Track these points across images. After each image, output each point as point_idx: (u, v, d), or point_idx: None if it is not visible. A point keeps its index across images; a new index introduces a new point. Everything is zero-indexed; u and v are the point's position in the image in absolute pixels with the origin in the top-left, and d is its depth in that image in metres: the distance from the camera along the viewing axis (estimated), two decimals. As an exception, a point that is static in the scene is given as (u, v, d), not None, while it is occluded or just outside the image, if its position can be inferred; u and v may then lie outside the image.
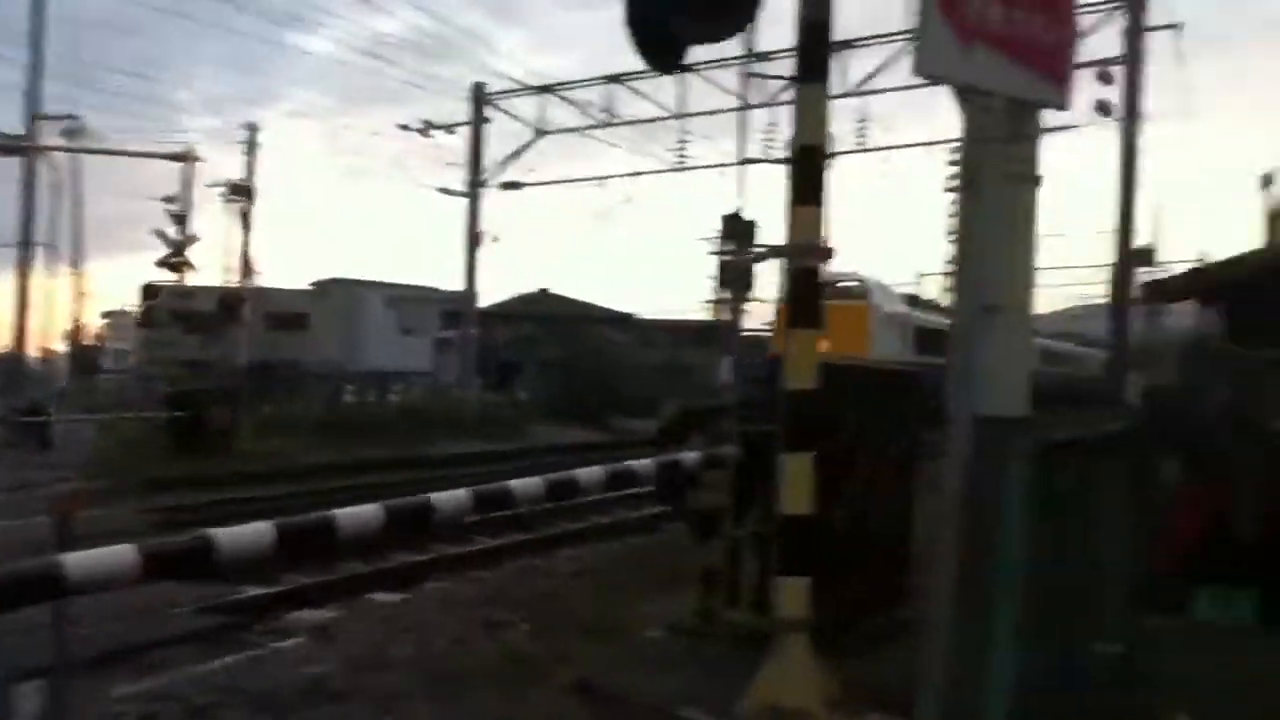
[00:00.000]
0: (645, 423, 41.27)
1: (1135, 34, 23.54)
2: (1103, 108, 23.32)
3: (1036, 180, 4.90)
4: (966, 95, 4.30)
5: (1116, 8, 23.79)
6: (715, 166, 31.45)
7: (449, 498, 4.70)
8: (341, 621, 8.33)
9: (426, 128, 32.10)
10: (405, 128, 32.11)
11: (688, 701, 5.15)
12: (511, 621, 8.60)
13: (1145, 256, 28.01)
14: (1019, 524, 3.98)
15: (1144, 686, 5.51)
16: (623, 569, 11.13)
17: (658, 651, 6.38)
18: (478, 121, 32.25)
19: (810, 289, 5.08)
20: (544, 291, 75.03)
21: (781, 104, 26.58)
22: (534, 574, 10.46)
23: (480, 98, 32.16)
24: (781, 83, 25.78)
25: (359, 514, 4.18)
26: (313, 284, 32.48)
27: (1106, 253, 26.22)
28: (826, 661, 5.07)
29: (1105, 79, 23.13)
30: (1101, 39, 24.44)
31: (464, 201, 32.62)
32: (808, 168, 5.09)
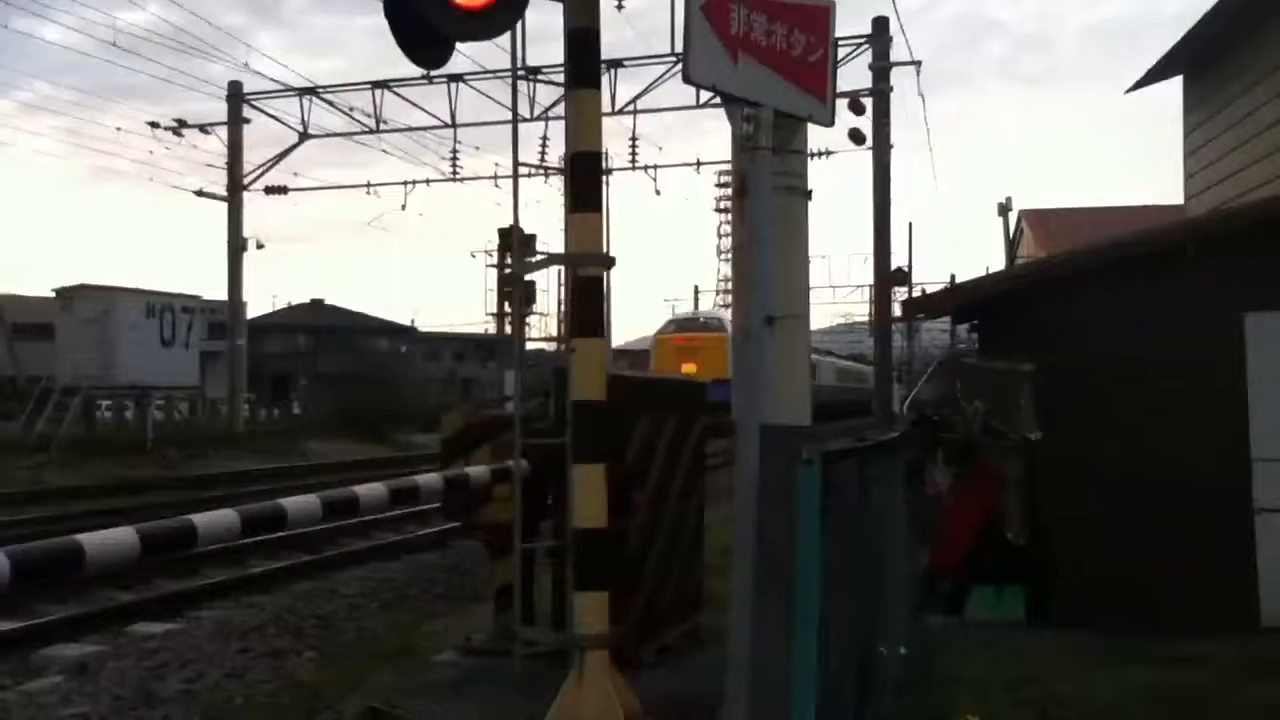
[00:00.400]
0: (429, 436, 40.64)
1: (881, 68, 25.09)
2: (856, 136, 24.80)
3: (806, 194, 5.05)
4: (735, 105, 4.40)
5: (864, 43, 25.35)
6: (490, 178, 31.45)
7: (213, 519, 4.34)
8: (103, 657, 7.69)
9: (179, 126, 30.38)
10: (155, 125, 30.29)
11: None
12: (294, 649, 8.20)
13: (901, 277, 29.78)
14: (816, 529, 4.07)
15: (927, 686, 5.77)
16: (411, 588, 10.85)
17: (452, 674, 6.20)
18: (236, 122, 30.79)
19: (593, 297, 5.02)
20: (318, 302, 72.63)
21: (554, 118, 26.91)
22: (318, 597, 10.02)
23: (238, 97, 30.74)
24: (553, 97, 26.05)
25: (109, 539, 3.76)
26: (57, 291, 30.01)
27: (865, 273, 27.73)
28: (627, 675, 5.05)
29: (857, 109, 24.59)
30: (852, 72, 25.93)
31: (225, 206, 31.09)
32: (584, 174, 5.04)
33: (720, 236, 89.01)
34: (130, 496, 19.76)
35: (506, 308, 51.65)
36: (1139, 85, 16.51)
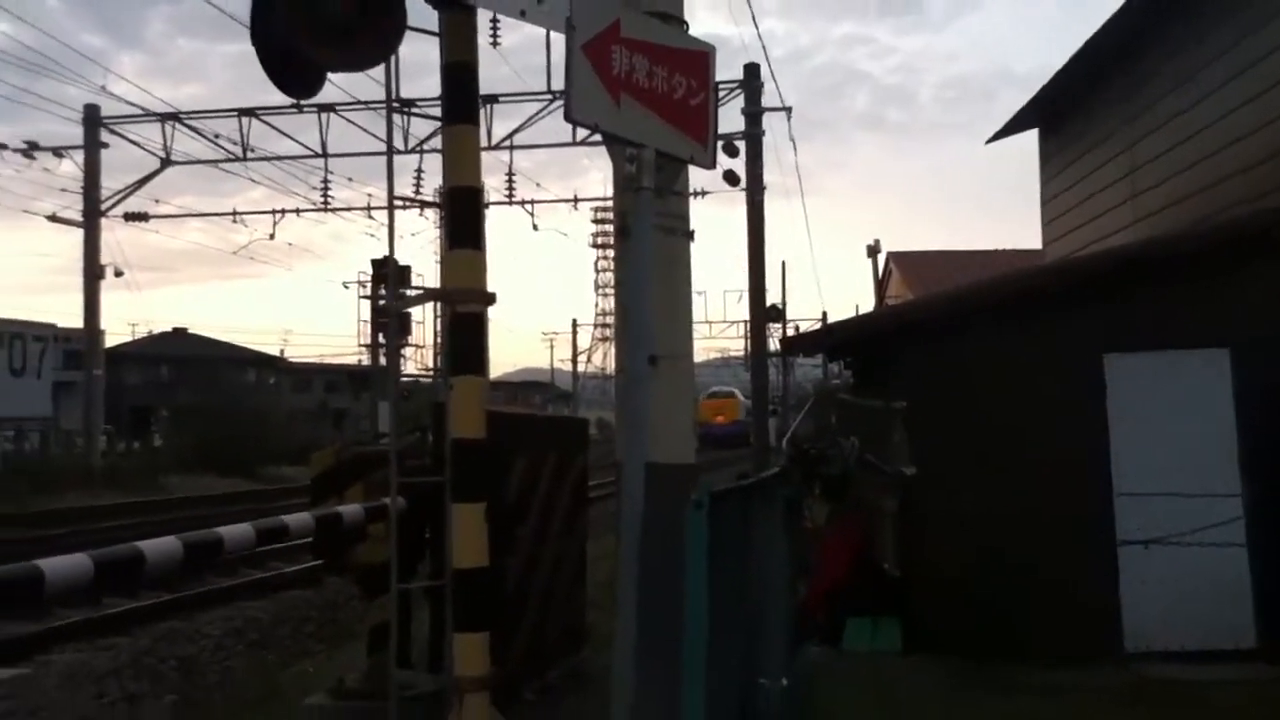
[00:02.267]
0: (298, 469, 39.48)
1: (754, 113, 25.73)
2: (730, 177, 25.38)
3: (689, 234, 5.10)
4: (617, 146, 4.42)
5: (736, 88, 25.99)
6: (364, 209, 31.02)
7: (62, 565, 4.06)
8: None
9: (30, 149, 29.08)
10: (4, 147, 28.92)
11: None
12: (154, 694, 7.82)
13: (775, 314, 30.39)
14: (703, 570, 4.08)
15: (807, 717, 5.81)
16: (280, 628, 10.48)
17: (316, 718, 5.97)
18: (92, 145, 29.59)
19: (473, 334, 4.92)
20: (181, 331, 70.14)
21: (430, 151, 26.77)
22: (179, 639, 9.57)
23: (95, 120, 29.61)
24: (428, 130, 25.91)
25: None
26: (-107, 317, 28.36)
27: (741, 310, 28.18)
28: (510, 716, 4.95)
29: (731, 151, 25.22)
30: (726, 115, 26.48)
31: (80, 233, 29.81)
32: (462, 210, 4.94)
33: (598, 271, 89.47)
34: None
35: (381, 339, 51.02)
36: (997, 137, 17.25)
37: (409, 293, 5.45)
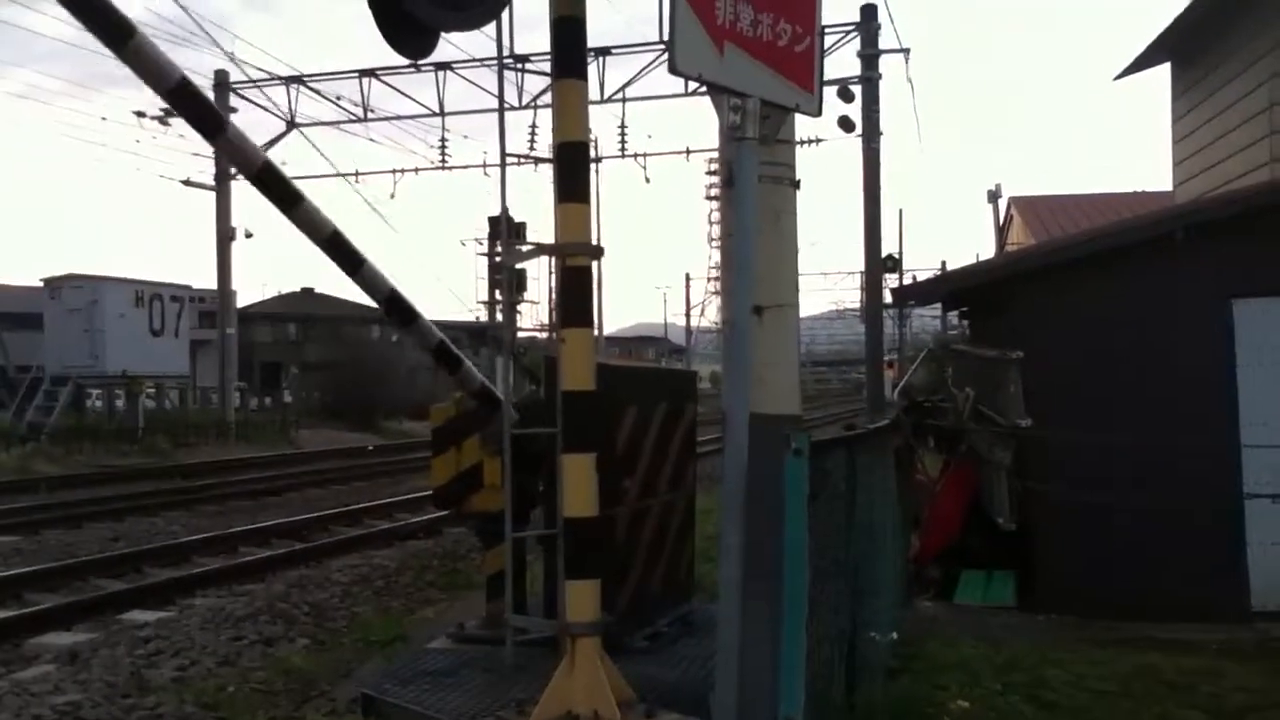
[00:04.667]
0: (421, 424, 40.60)
1: (869, 56, 25.07)
2: (845, 123, 24.77)
3: (795, 183, 5.06)
4: (721, 96, 4.40)
5: (852, 31, 25.33)
6: (479, 166, 31.40)
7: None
8: (94, 645, 7.69)
9: (166, 116, 30.20)
10: (142, 115, 30.13)
11: (476, 713, 5.03)
12: (287, 636, 8.21)
13: (891, 264, 29.81)
14: (803, 518, 4.11)
15: (917, 671, 5.81)
16: (404, 575, 10.86)
17: (444, 661, 6.20)
18: (222, 110, 30.61)
19: (582, 287, 5.02)
20: (308, 291, 72.27)
21: (542, 106, 26.88)
22: (308, 585, 10.02)
23: (224, 86, 30.58)
24: (541, 85, 26.02)
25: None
26: (45, 281, 29.86)
27: (857, 260, 27.70)
28: (619, 661, 5.08)
29: (846, 96, 24.58)
30: (841, 60, 25.88)
31: (213, 195, 30.96)
32: (571, 164, 5.03)
33: (710, 224, 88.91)
34: (122, 485, 19.74)
35: (497, 295, 51.87)
36: (1127, 72, 16.51)
37: (521, 248, 5.52)
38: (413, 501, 16.34)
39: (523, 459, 6.63)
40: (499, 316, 46.27)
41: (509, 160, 6.24)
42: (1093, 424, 7.86)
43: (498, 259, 40.88)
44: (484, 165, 31.12)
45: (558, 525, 5.64)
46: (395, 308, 6.05)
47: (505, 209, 6.13)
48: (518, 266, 53.30)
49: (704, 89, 4.94)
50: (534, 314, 39.54)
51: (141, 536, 13.17)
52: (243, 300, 43.81)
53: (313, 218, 5.42)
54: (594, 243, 5.09)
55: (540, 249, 5.41)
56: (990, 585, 7.93)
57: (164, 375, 30.78)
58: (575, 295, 5.03)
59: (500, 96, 7.33)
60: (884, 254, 27.88)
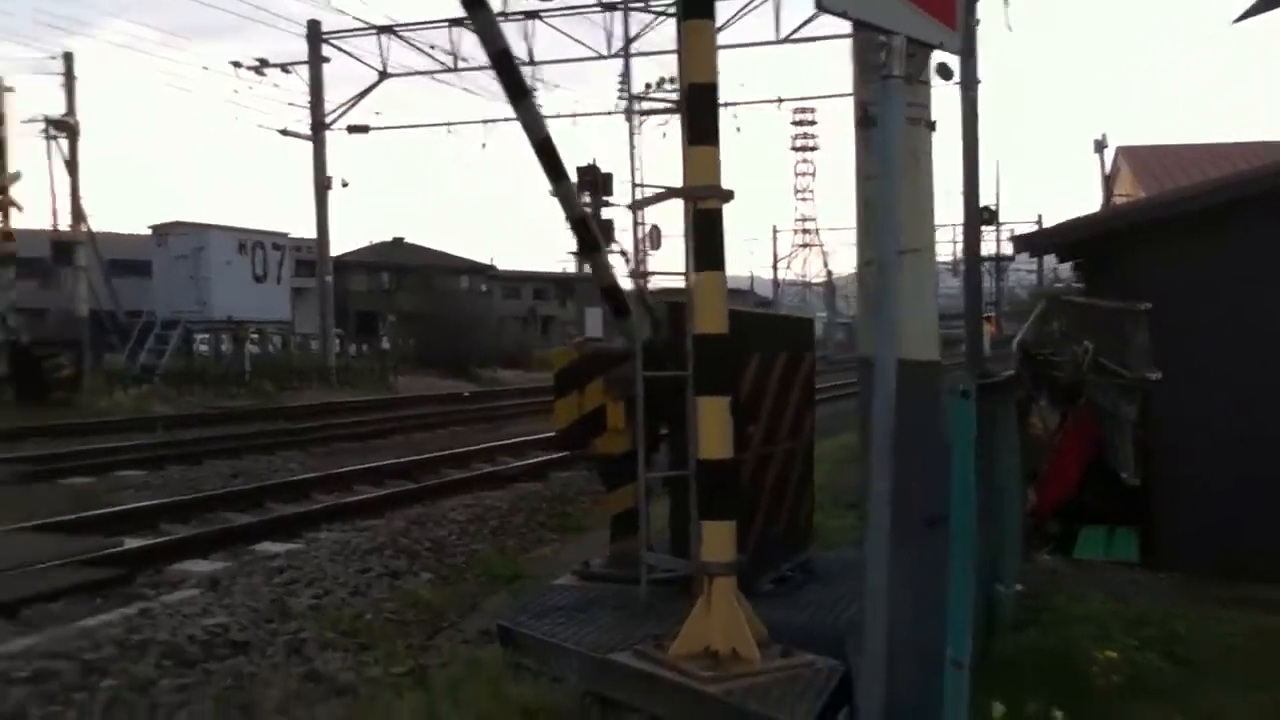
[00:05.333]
0: (512, 373, 41.24)
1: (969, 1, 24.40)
2: (943, 71, 24.05)
3: (931, 124, 5.02)
4: (863, 32, 4.38)
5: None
6: (571, 116, 31.40)
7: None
8: (231, 573, 8.07)
9: (261, 65, 30.78)
10: (238, 65, 30.76)
11: (612, 647, 5.18)
12: (410, 570, 8.50)
13: (988, 216, 29.15)
14: (971, 460, 4.13)
15: (1045, 624, 5.80)
16: (516, 516, 11.12)
17: (572, 598, 6.37)
18: (316, 60, 31.04)
19: (713, 230, 5.05)
20: (399, 240, 73.48)
21: (636, 54, 26.69)
22: (426, 523, 10.33)
23: (317, 35, 31.01)
24: (635, 30, 25.84)
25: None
26: (153, 228, 30.82)
27: (953, 213, 27.11)
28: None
29: None
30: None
31: (307, 145, 31.53)
32: (700, 106, 5.03)
33: (796, 175, 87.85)
34: (233, 425, 20.46)
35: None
36: (1247, 15, 15.80)
37: (646, 192, 5.53)
38: (515, 445, 16.66)
39: (646, 402, 6.75)
40: (587, 267, 46.52)
41: (603, 109, 6.31)
42: (1225, 377, 7.66)
43: (587, 209, 40.87)
44: (574, 115, 31.30)
45: (689, 467, 5.76)
46: (583, 230, 6.24)
47: (633, 159, 6.17)
48: (604, 217, 52.94)
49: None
50: (621, 265, 39.65)
51: (260, 474, 13.68)
52: (335, 249, 44.73)
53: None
54: (722, 185, 5.10)
55: (670, 192, 5.44)
56: (1112, 541, 7.84)
57: (267, 321, 31.66)
58: (707, 239, 5.06)
59: (626, 47, 7.39)
60: (981, 205, 27.32)
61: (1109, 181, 26.53)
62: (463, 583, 8.17)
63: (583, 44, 27.51)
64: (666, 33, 26.19)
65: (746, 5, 26.29)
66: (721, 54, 5.58)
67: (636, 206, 5.75)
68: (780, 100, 32.75)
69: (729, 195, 5.06)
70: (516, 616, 6.07)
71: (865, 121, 4.94)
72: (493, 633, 6.24)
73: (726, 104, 32.01)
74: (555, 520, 11.02)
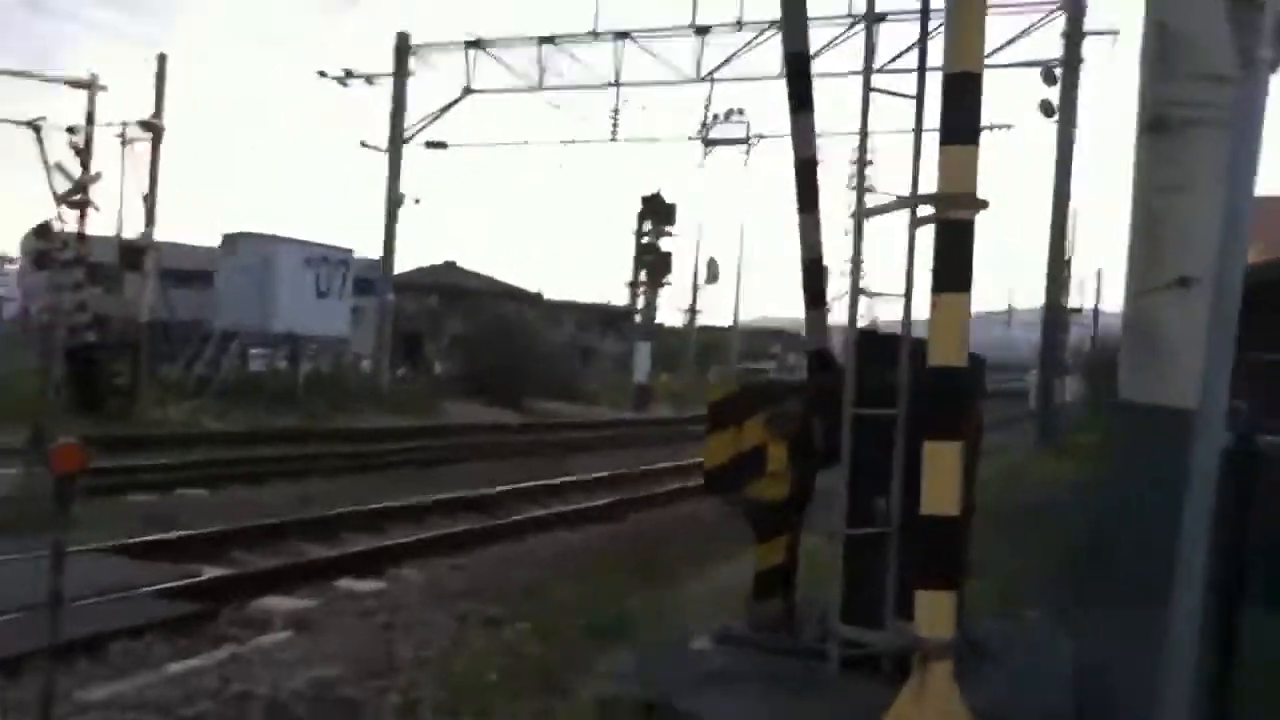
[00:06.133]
0: (560, 404, 40.50)
1: (1074, 37, 23.62)
2: (1046, 108, 23.29)
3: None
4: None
5: (1056, 9, 23.87)
6: (649, 140, 30.75)
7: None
8: (319, 613, 7.38)
9: (346, 76, 30.49)
10: (323, 74, 30.49)
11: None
12: (505, 618, 7.76)
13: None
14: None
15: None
16: (601, 560, 10.36)
17: (715, 664, 5.61)
18: (401, 73, 30.69)
19: (962, 244, 4.32)
20: (450, 264, 73.26)
21: (722, 80, 26.02)
22: (511, 563, 9.61)
23: (404, 48, 30.68)
24: (722, 55, 25.25)
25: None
26: (223, 236, 30.53)
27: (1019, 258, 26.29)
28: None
29: (1049, 79, 23.12)
30: (1043, 40, 24.32)
31: (375, 160, 31.03)
32: (960, 98, 4.30)
33: (849, 215, 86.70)
34: (287, 445, 19.84)
35: (642, 276, 51.45)
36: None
37: (877, 200, 4.80)
38: (586, 483, 15.94)
39: (807, 445, 6.01)
40: (640, 299, 45.68)
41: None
42: None
43: (645, 240, 40.37)
44: (656, 139, 30.72)
45: (891, 523, 5.03)
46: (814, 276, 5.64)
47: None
48: (664, 250, 52.71)
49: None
50: (674, 297, 39.00)
51: (328, 499, 12.95)
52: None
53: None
54: (976, 193, 4.37)
55: (910, 200, 4.74)
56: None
57: (327, 338, 31.20)
58: (954, 255, 4.33)
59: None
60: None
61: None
62: (566, 635, 7.42)
63: (673, 66, 26.77)
64: (750, 60, 25.54)
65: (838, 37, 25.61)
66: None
67: (864, 216, 5.04)
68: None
69: (983, 204, 4.34)
70: (661, 688, 5.32)
71: (1156, 125, 4.23)
72: (612, 700, 5.50)
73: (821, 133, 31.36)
74: (643, 567, 10.25)
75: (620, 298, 58.50)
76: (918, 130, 5.07)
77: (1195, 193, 4.15)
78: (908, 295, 5.20)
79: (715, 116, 31.63)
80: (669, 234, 50.05)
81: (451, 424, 28.50)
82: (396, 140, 30.63)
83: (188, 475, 14.01)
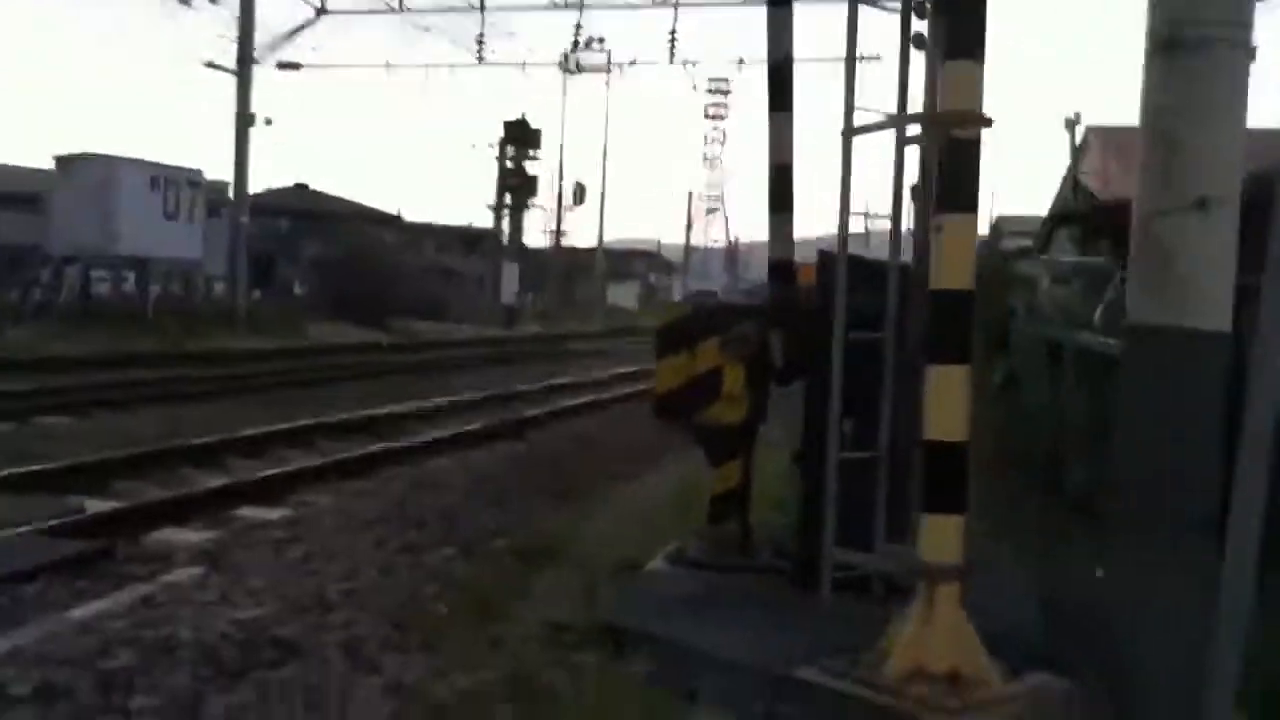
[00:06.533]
0: (427, 325, 39.53)
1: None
2: (919, 41, 23.35)
3: (1250, 50, 4.15)
4: None
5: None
6: (517, 65, 29.92)
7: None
8: (227, 546, 6.80)
9: (188, -8, 28.46)
10: (161, -10, 28.46)
11: (791, 659, 4.17)
12: (430, 544, 7.33)
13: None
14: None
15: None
16: (511, 481, 9.99)
17: (681, 589, 5.34)
18: (246, -12, 28.88)
19: (968, 164, 4.12)
20: (303, 186, 70.21)
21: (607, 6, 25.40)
22: (420, 487, 9.15)
23: (248, -38, 28.84)
24: None
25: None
26: (57, 159, 28.37)
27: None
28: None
29: (919, 12, 23.18)
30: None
31: (224, 82, 29.27)
32: (966, 11, 4.10)
33: (708, 143, 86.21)
34: (145, 370, 18.62)
35: (507, 200, 50.37)
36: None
37: (876, 116, 4.44)
38: (475, 402, 15.48)
39: (764, 366, 5.77)
40: (505, 222, 44.82)
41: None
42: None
43: (509, 164, 39.42)
44: (524, 64, 29.83)
45: (879, 447, 4.80)
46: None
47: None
48: (529, 173, 51.76)
49: None
50: (545, 221, 38.51)
51: (204, 424, 12.09)
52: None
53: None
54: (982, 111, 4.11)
55: (919, 117, 4.47)
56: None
57: (179, 260, 29.53)
58: (961, 175, 4.11)
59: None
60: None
61: (1076, 161, 25.98)
62: (496, 560, 7.05)
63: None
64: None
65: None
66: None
67: (852, 134, 4.73)
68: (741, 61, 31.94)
69: (988, 122, 4.09)
70: (623, 613, 5.03)
71: (1171, 45, 4.02)
72: (562, 624, 5.21)
73: (685, 63, 31.00)
74: (552, 487, 9.92)
75: (483, 220, 57.17)
76: (904, 45, 4.81)
77: (1213, 115, 4.00)
78: (895, 219, 4.96)
79: (576, 44, 31.11)
80: (534, 158, 49.01)
81: (319, 345, 27.45)
82: (245, 60, 28.88)
83: (45, 402, 12.94)
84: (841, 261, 4.80)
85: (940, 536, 4.04)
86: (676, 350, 5.79)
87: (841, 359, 4.66)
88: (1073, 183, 22.01)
